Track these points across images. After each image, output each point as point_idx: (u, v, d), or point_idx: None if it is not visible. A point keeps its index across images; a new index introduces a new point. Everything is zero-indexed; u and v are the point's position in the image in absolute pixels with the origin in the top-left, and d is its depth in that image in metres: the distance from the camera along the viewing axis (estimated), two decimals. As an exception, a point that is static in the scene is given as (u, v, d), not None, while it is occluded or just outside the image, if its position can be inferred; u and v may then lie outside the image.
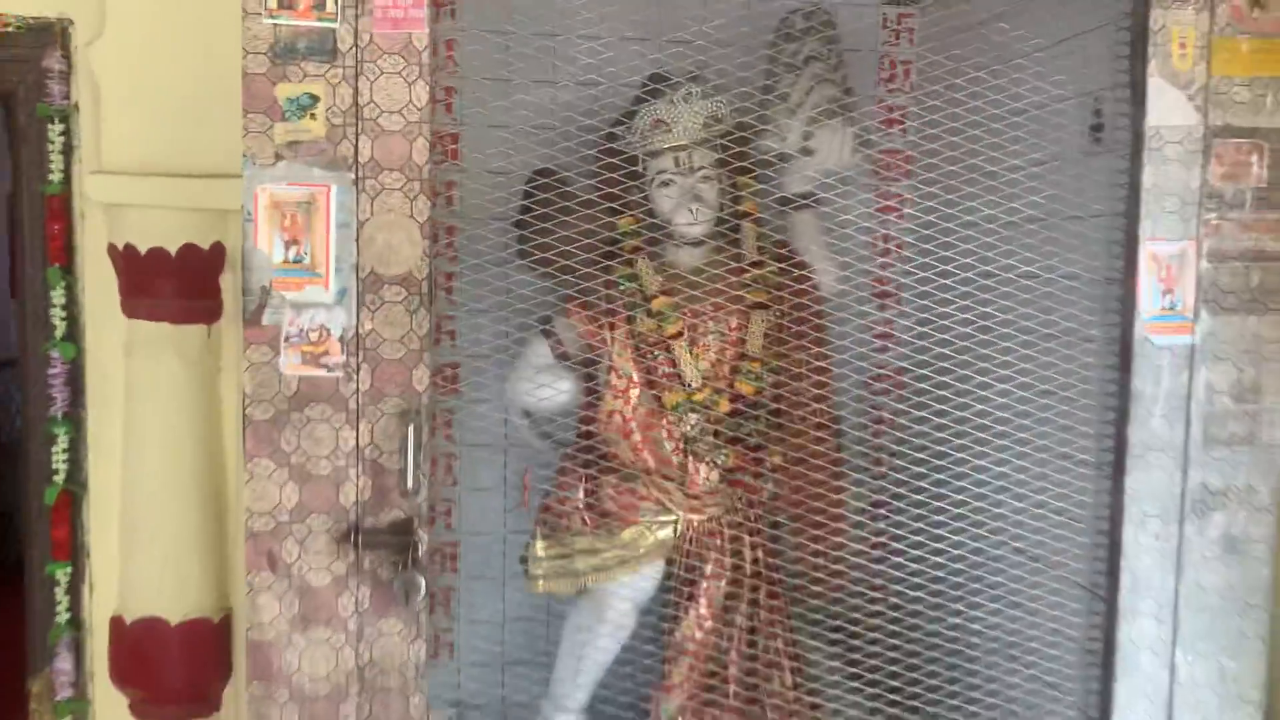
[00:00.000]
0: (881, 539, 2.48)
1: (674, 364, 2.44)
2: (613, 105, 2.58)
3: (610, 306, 2.44)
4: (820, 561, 2.43)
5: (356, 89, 1.95)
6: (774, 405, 2.53)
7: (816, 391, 2.50)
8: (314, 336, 1.95)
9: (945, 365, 2.28)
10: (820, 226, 2.57)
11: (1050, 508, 2.05)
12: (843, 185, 2.58)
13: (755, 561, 2.53)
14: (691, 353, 2.44)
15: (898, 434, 2.67)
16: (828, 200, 2.56)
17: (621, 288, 2.47)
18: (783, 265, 2.49)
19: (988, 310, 2.16)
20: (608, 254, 2.49)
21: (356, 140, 1.95)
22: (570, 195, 2.50)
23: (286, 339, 1.94)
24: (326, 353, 1.95)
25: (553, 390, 2.47)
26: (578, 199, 2.47)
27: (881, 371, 2.90)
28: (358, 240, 1.95)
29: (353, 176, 1.95)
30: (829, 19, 2.60)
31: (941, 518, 2.23)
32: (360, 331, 1.96)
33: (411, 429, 1.92)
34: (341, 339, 1.96)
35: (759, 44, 2.55)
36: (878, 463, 2.73)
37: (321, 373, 1.96)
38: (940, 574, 2.21)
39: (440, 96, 2.69)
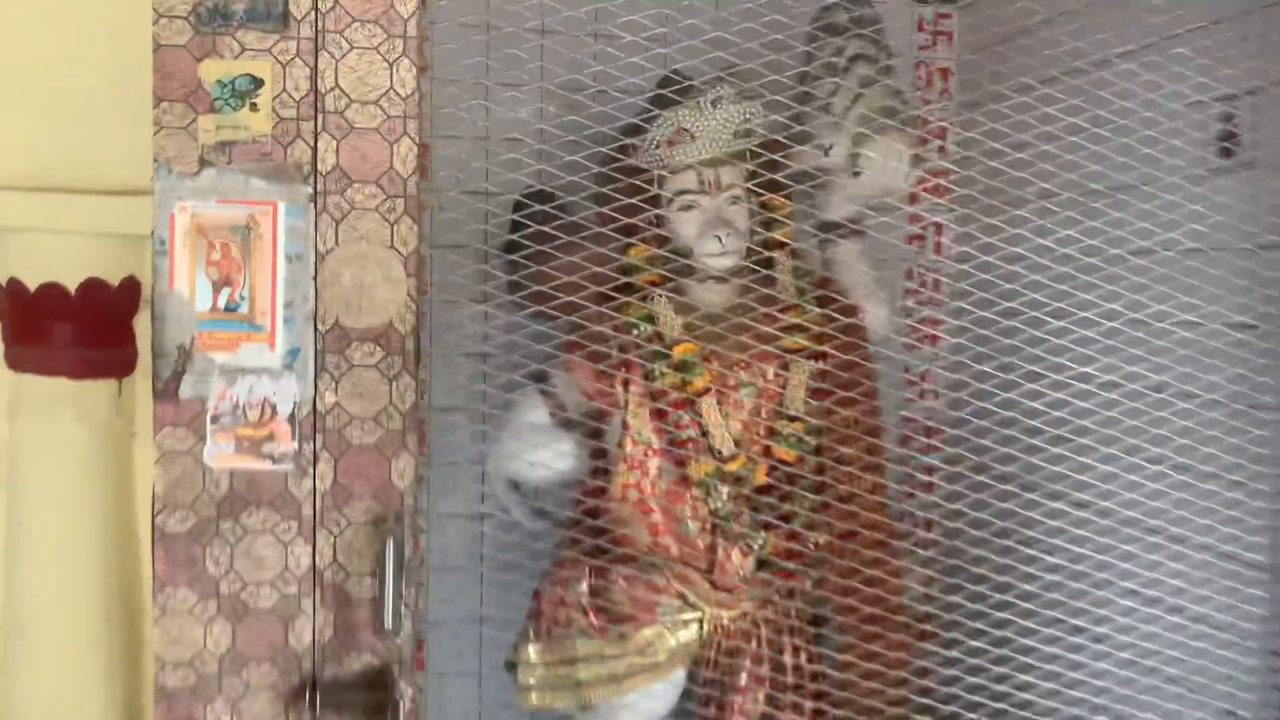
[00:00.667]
0: (952, 643, 2.03)
1: (701, 426, 1.99)
2: (615, 110, 2.14)
3: (622, 356, 1.99)
4: (878, 668, 1.99)
5: (316, 69, 1.42)
6: (820, 475, 2.10)
7: (869, 458, 2.08)
8: (254, 415, 1.42)
9: (1041, 434, 1.86)
10: (867, 258, 2.16)
11: (1212, 622, 1.62)
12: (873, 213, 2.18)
13: (798, 669, 2.07)
14: (721, 411, 2.00)
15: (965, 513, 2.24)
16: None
17: (635, 333, 2.00)
18: (826, 305, 2.06)
19: (1106, 361, 1.75)
20: (617, 290, 2.05)
21: (316, 140, 1.42)
22: (571, 220, 2.06)
23: (215, 419, 1.41)
24: (271, 437, 1.43)
25: (552, 455, 2.00)
26: (580, 225, 2.02)
27: (923, 434, 2.50)
28: (316, 280, 1.42)
29: (309, 190, 1.43)
30: (875, 12, 2.20)
31: (1032, 621, 1.80)
32: (319, 408, 1.43)
33: (391, 543, 1.38)
34: (293, 418, 1.42)
35: (788, 39, 2.14)
36: (933, 543, 2.29)
37: (264, 465, 1.43)
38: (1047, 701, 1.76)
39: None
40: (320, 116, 1.43)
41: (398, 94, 1.44)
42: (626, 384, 1.99)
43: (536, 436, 1.99)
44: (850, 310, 2.04)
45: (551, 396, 2.05)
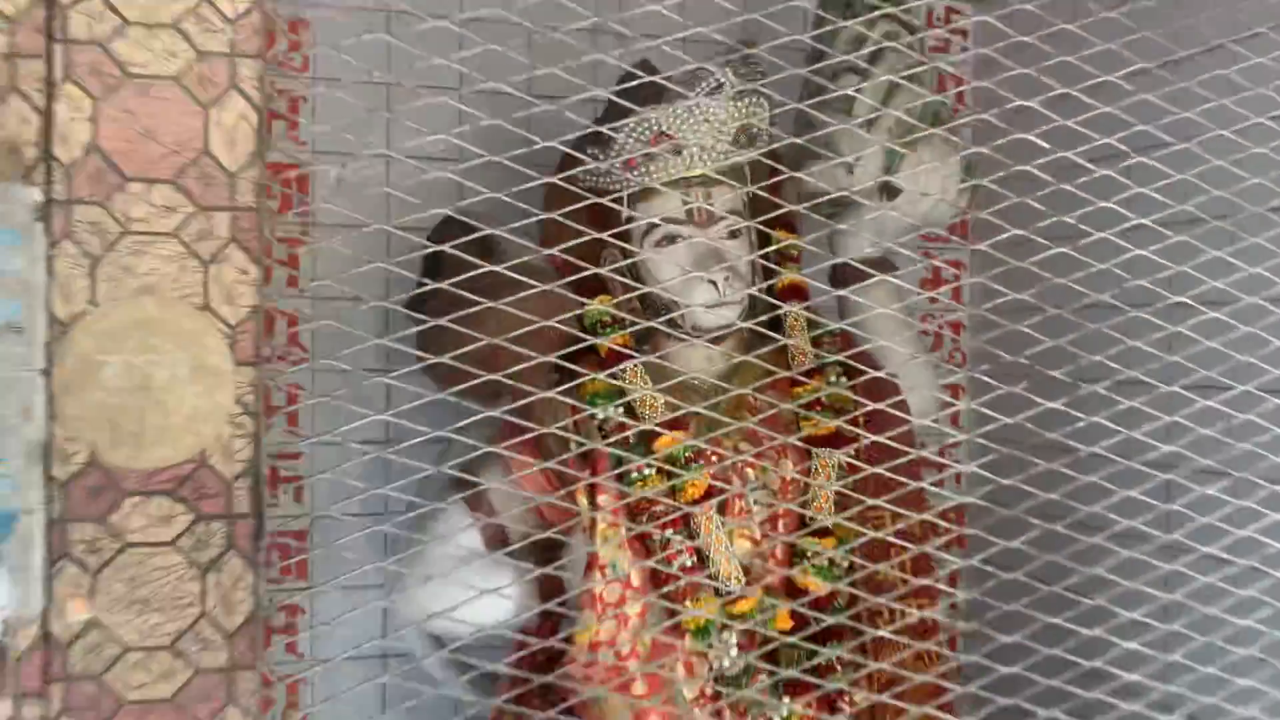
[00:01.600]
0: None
1: (697, 550, 1.40)
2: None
3: (582, 446, 1.39)
4: None
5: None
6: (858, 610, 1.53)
7: (922, 581, 1.52)
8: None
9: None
10: (902, 312, 1.63)
11: None
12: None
13: None
14: (724, 526, 1.41)
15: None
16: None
17: (599, 418, 1.40)
18: (855, 376, 1.51)
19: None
20: (571, 358, 1.48)
21: (49, 104, 0.74)
22: (505, 261, 1.48)
23: None
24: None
25: (484, 602, 1.38)
26: (519, 267, 1.44)
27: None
28: (50, 375, 0.74)
29: (39, 197, 0.74)
30: (905, -12, 1.70)
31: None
32: (56, 630, 0.74)
33: None
34: (6, 628, 0.72)
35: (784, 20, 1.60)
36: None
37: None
38: None
39: (279, 107, 1.62)
40: (60, 51, 0.74)
41: (220, 12, 0.75)
42: (592, 491, 1.37)
43: (462, 571, 1.38)
44: (885, 386, 1.50)
45: (483, 510, 1.44)
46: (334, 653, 1.63)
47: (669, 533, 1.32)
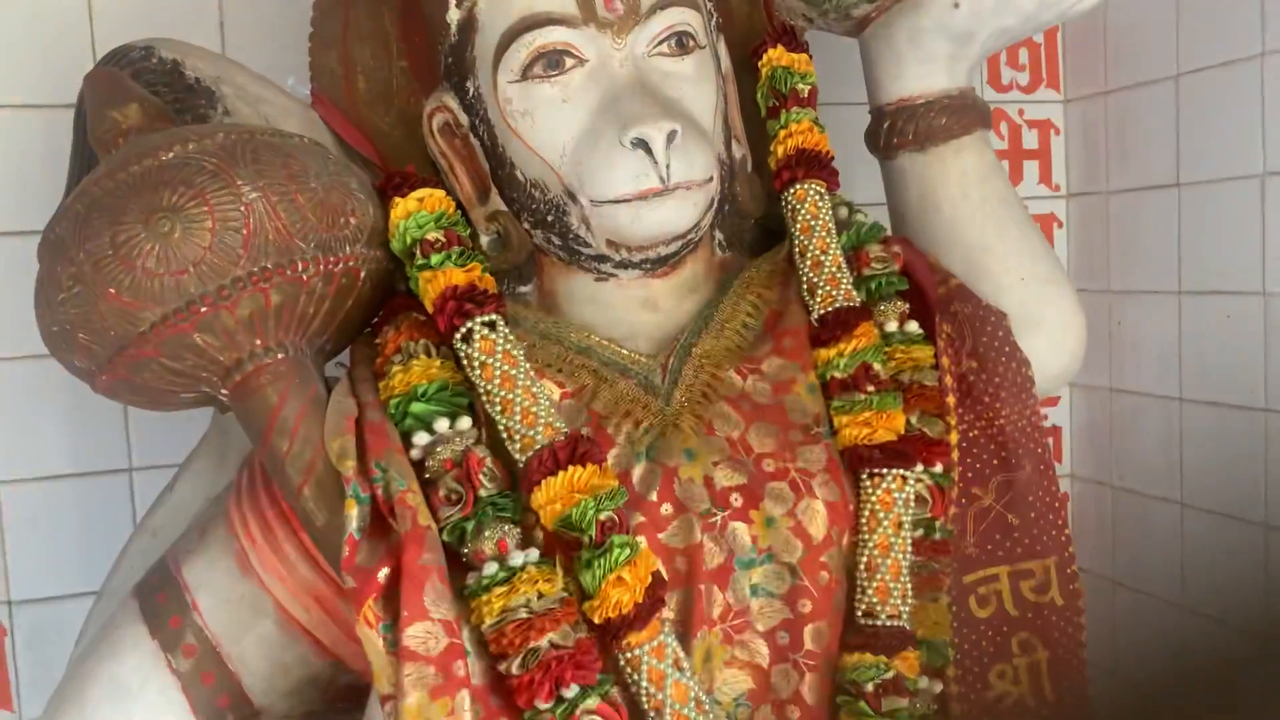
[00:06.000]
0: None
1: (636, 694, 0.63)
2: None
3: (395, 497, 0.64)
4: None
5: None
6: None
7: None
8: None
9: None
10: (999, 177, 0.87)
11: None
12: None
13: None
14: (688, 659, 0.65)
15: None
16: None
17: (415, 446, 0.63)
18: (927, 316, 0.78)
19: None
20: (362, 319, 0.75)
21: None
22: (220, 126, 0.74)
23: None
24: None
25: None
26: (248, 137, 0.71)
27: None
28: None
29: None
30: None
31: None
32: None
33: None
34: None
35: None
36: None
37: None
38: None
39: None
40: None
41: None
42: (392, 611, 0.58)
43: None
44: (994, 330, 0.77)
45: (188, 642, 0.69)
46: None
47: (571, 688, 0.58)
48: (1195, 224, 1.00)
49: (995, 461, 0.75)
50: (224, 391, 0.65)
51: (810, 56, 0.80)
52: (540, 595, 0.61)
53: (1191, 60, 0.99)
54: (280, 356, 0.64)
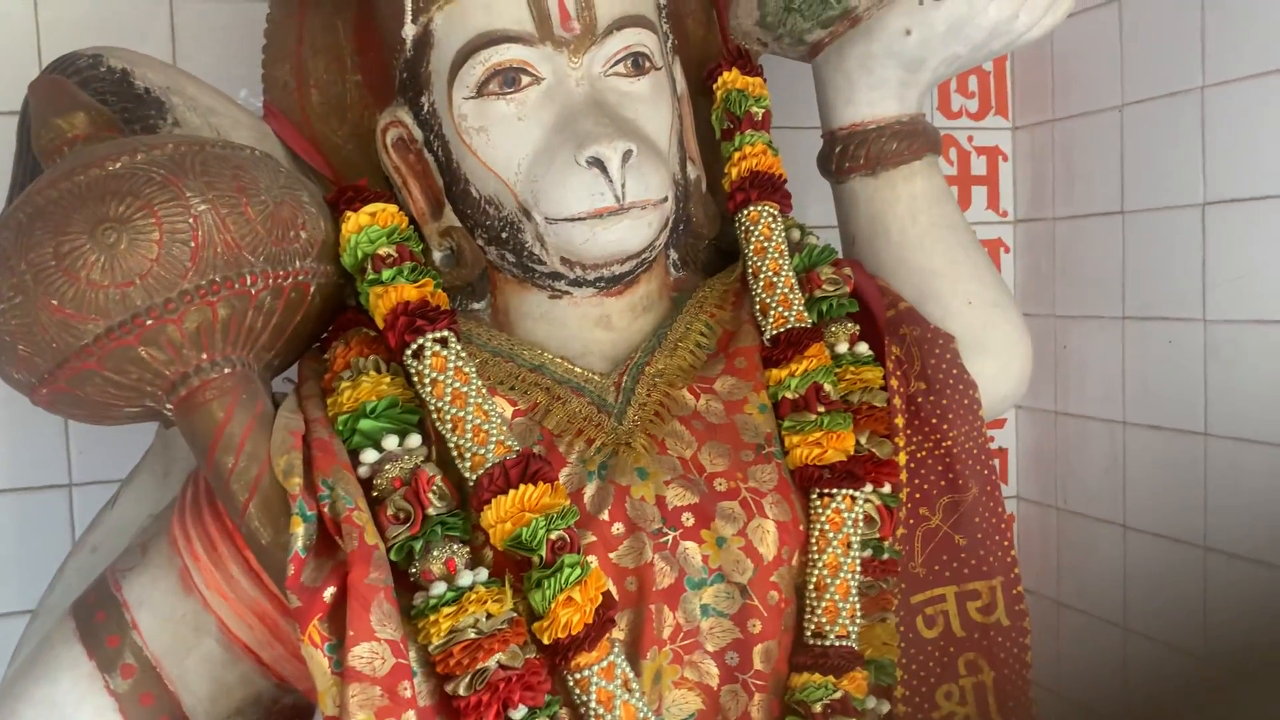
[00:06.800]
0: None
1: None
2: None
3: (343, 513, 0.63)
4: None
5: None
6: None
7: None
8: None
9: None
10: (947, 201, 0.88)
11: None
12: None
13: None
14: (637, 679, 0.65)
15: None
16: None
17: (362, 464, 0.62)
18: (876, 338, 0.78)
19: None
20: (311, 333, 0.74)
21: None
22: (170, 140, 0.73)
23: None
24: None
25: None
26: (197, 149, 0.70)
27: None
28: None
29: None
30: None
31: None
32: None
33: None
34: None
35: None
36: None
37: None
38: None
39: None
40: None
41: None
42: (338, 633, 0.57)
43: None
44: (941, 351, 0.77)
45: (116, 646, 0.68)
46: None
47: (519, 709, 0.58)
48: (1139, 251, 1.02)
49: (943, 483, 0.76)
50: (169, 406, 0.64)
51: (764, 80, 0.81)
52: (488, 615, 0.60)
53: (1135, 91, 1.01)
54: (227, 371, 0.63)
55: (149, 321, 0.59)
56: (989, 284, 0.82)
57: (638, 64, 0.71)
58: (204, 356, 0.62)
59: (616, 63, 0.70)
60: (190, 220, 0.59)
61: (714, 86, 0.80)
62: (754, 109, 0.79)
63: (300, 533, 0.58)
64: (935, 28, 0.76)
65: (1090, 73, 1.06)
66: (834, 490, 0.71)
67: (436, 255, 0.73)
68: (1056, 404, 1.14)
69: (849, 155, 0.79)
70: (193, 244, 0.59)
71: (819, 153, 0.83)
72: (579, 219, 0.68)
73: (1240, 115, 0.91)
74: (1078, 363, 1.11)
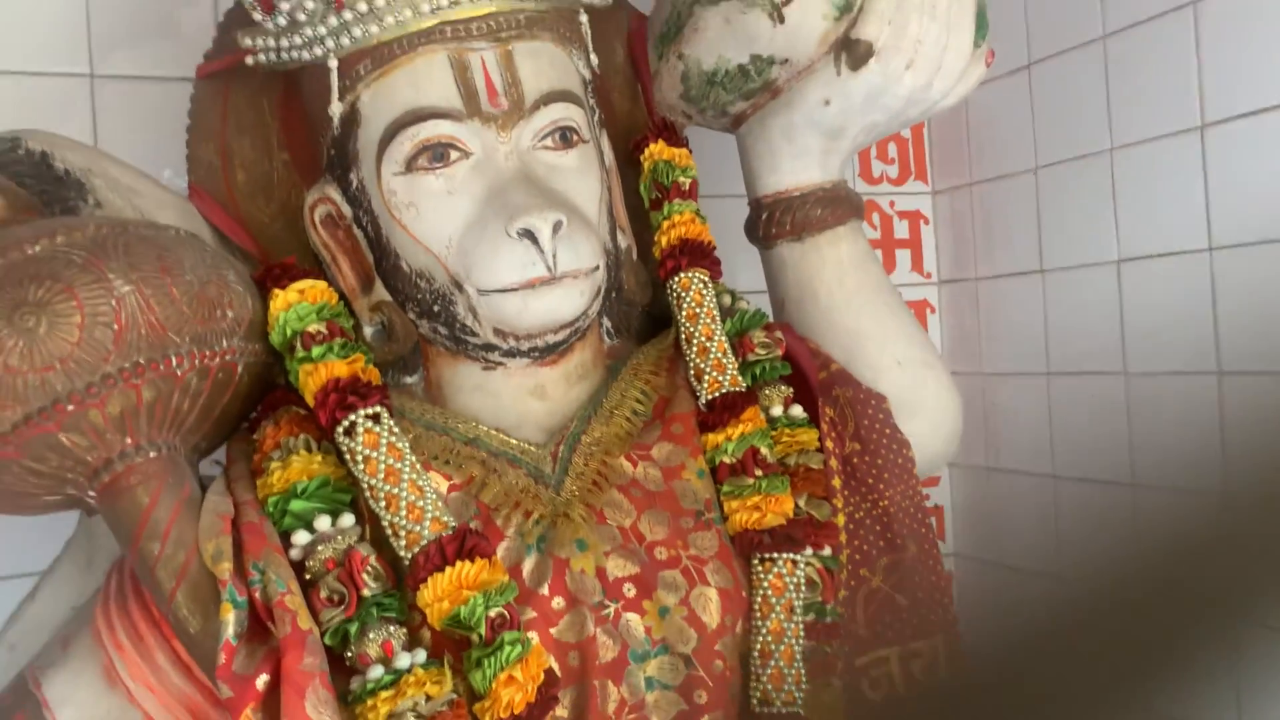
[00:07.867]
0: None
1: None
2: None
3: (277, 599, 0.61)
4: None
5: None
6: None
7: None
8: None
9: None
10: (873, 264, 0.89)
11: None
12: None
13: None
14: None
15: None
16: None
17: (294, 547, 0.61)
18: (810, 399, 0.78)
19: None
20: (240, 412, 0.72)
21: None
22: (89, 221, 0.72)
23: None
24: None
25: None
26: (121, 229, 0.69)
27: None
28: None
29: None
30: None
31: None
32: None
33: None
34: None
35: None
36: None
37: None
38: None
39: None
40: None
41: None
42: (271, 690, 0.56)
43: None
44: (875, 406, 0.78)
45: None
46: None
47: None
48: (1059, 308, 1.05)
49: (881, 543, 0.76)
50: (91, 493, 0.62)
51: (690, 151, 0.83)
52: (428, 698, 0.59)
53: (1048, 154, 1.05)
54: (152, 455, 0.62)
55: (70, 407, 0.58)
56: (917, 344, 0.83)
57: (565, 137, 0.71)
58: (128, 441, 0.60)
59: (545, 136, 0.70)
60: (113, 302, 0.58)
61: (641, 158, 0.81)
62: (681, 179, 0.80)
63: (231, 619, 0.57)
64: (853, 98, 0.78)
65: (1004, 137, 1.10)
66: (775, 555, 0.71)
67: (367, 330, 0.72)
68: (987, 460, 1.15)
69: (775, 222, 0.81)
70: (116, 326, 0.58)
71: (746, 220, 0.85)
72: (511, 290, 0.67)
73: (1147, 174, 0.95)
74: (1006, 419, 1.13)
